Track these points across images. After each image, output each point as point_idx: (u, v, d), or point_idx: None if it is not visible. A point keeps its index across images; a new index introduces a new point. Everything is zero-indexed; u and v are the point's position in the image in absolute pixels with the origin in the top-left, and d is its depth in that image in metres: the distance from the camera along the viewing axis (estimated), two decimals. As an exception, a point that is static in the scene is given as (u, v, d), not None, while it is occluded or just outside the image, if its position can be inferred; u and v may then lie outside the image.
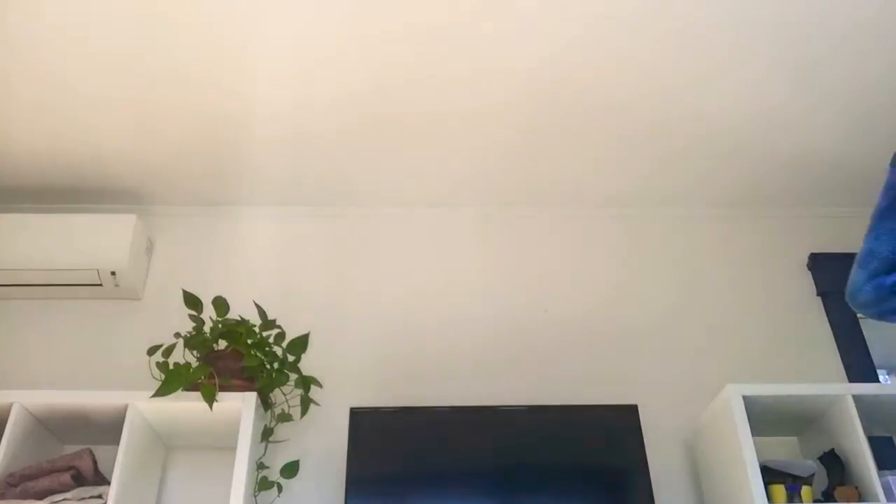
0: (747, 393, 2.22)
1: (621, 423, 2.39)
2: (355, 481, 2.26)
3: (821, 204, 3.04)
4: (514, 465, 2.34)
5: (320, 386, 2.44)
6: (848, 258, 2.82)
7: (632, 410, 2.39)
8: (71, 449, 2.34)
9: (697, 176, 2.90)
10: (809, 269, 2.90)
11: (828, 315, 2.79)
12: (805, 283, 2.87)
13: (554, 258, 2.91)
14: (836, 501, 2.13)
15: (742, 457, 2.12)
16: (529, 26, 2.28)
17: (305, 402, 2.39)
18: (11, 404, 2.18)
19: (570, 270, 2.89)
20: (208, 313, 2.42)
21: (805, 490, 2.15)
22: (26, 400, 2.21)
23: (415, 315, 2.76)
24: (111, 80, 2.45)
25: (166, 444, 2.45)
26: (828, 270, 2.86)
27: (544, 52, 2.36)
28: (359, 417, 2.36)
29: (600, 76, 2.46)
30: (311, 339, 2.49)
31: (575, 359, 2.67)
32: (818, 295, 2.85)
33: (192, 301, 2.39)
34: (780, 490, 2.13)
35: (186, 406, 2.23)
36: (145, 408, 2.23)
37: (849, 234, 2.95)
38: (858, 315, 2.79)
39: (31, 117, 2.58)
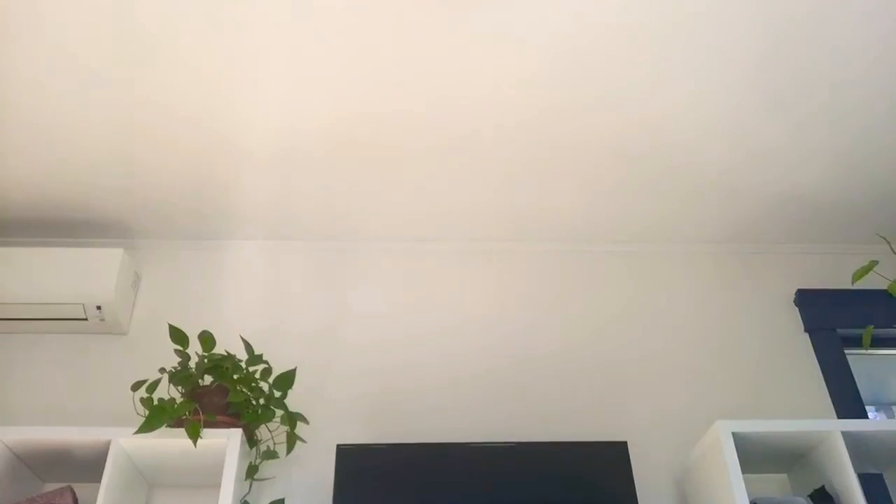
0: (737, 429, 2.21)
1: (611, 460, 2.36)
2: (342, 519, 2.22)
3: (808, 241, 3.07)
4: (502, 502, 2.31)
5: (307, 422, 2.41)
6: (834, 294, 2.89)
7: (621, 447, 2.37)
8: (51, 487, 2.29)
9: (686, 212, 2.93)
10: (797, 304, 2.91)
11: (815, 351, 2.80)
12: (792, 319, 2.88)
13: (542, 293, 2.91)
14: (827, 540, 2.11)
15: (732, 494, 2.10)
16: (521, 56, 2.31)
17: (292, 439, 2.35)
18: (-10, 441, 2.14)
19: (558, 305, 2.89)
20: (194, 348, 2.39)
21: (796, 528, 2.14)
22: (5, 436, 2.17)
23: (403, 351, 2.74)
24: (99, 115, 2.46)
25: (149, 482, 2.40)
26: (815, 306, 2.88)
27: (539, 81, 2.39)
28: (345, 454, 2.33)
29: (589, 110, 2.49)
30: (298, 375, 2.46)
31: (563, 395, 2.66)
32: (805, 331, 2.85)
33: (177, 336, 2.36)
34: (770, 528, 2.12)
35: (170, 442, 2.19)
36: (128, 444, 2.19)
37: (835, 270, 2.98)
38: (845, 350, 2.80)
39: (18, 152, 2.58)
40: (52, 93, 2.38)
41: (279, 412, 2.37)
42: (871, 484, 2.42)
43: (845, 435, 2.21)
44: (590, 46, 2.28)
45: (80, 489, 2.26)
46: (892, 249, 2.62)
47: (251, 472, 2.31)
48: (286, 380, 2.40)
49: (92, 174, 2.70)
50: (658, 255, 3.04)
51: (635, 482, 2.32)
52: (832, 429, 2.23)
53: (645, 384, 2.70)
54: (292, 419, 2.37)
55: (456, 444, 2.40)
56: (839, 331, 2.84)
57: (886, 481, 2.48)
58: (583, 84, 2.40)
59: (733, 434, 2.20)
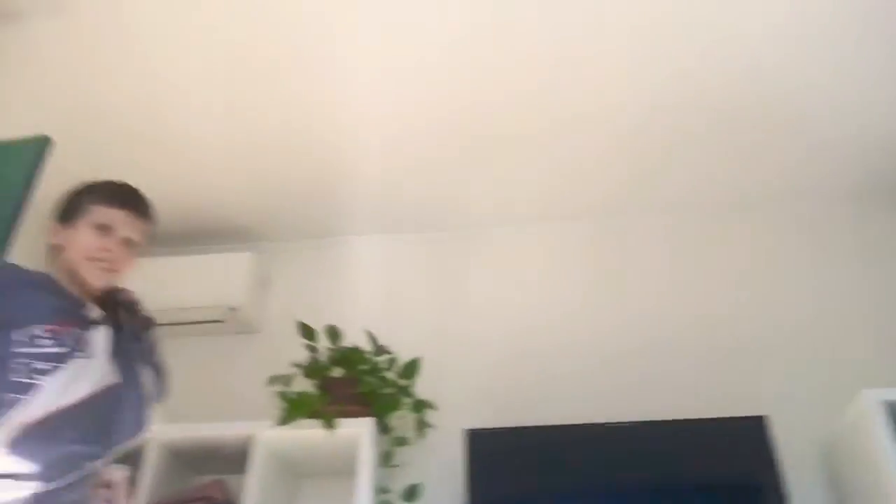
0: (888, 398, 2.07)
1: (750, 436, 2.27)
2: (476, 499, 2.25)
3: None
4: (636, 483, 2.27)
5: (434, 408, 2.45)
6: None
7: (760, 422, 2.27)
8: (204, 479, 2.44)
9: (829, 170, 2.74)
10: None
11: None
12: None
13: (667, 268, 2.83)
14: None
15: (885, 464, 1.97)
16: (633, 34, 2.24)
17: (421, 426, 2.41)
18: (148, 439, 2.31)
19: (684, 277, 2.79)
20: (322, 342, 2.49)
21: (962, 501, 1.97)
22: (162, 435, 2.34)
23: (524, 334, 2.73)
24: (225, 129, 2.60)
25: (292, 471, 2.52)
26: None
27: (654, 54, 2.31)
28: (474, 439, 2.36)
29: (706, 70, 2.37)
30: (422, 363, 2.51)
31: (696, 372, 2.56)
32: (959, 291, 2.62)
33: (306, 331, 2.46)
34: (932, 501, 1.97)
35: (308, 433, 2.30)
36: (269, 437, 2.31)
37: None
38: None
39: (154, 166, 2.76)
40: (185, 112, 2.53)
41: (407, 400, 2.43)
42: None
43: None
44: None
45: (231, 481, 2.39)
46: None
47: (386, 458, 2.38)
48: (411, 369, 2.46)
49: (221, 185, 2.86)
50: (796, 218, 2.87)
51: (778, 457, 2.21)
52: None
53: (784, 355, 2.56)
54: (420, 406, 2.42)
55: (586, 424, 2.37)
56: None
57: None
58: (718, 56, 2.30)
59: (884, 403, 2.06)
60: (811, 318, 2.63)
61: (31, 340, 1.34)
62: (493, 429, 2.39)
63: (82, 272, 1.48)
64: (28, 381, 1.31)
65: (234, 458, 2.37)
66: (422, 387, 2.51)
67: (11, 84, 2.40)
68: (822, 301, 2.67)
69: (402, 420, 2.46)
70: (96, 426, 1.41)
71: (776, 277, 2.75)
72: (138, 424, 1.51)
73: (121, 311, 1.55)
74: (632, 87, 2.42)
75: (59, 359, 1.36)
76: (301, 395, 2.29)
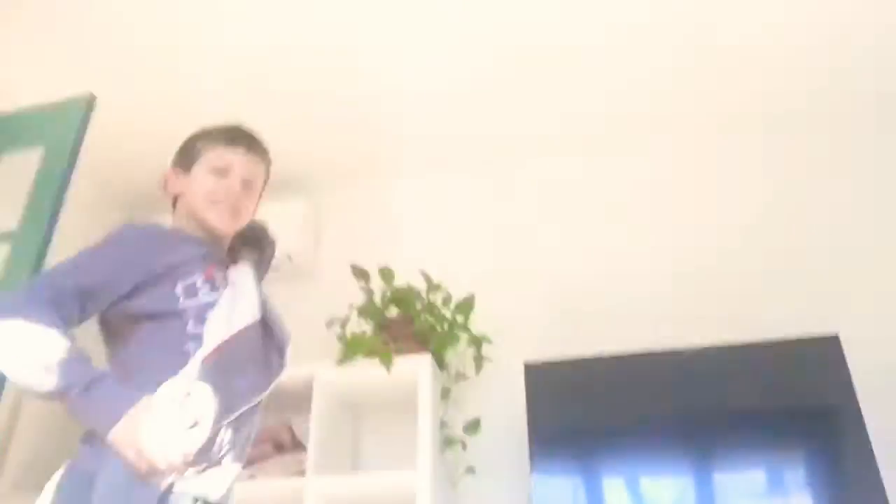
0: (970, 308, 1.95)
1: (822, 356, 2.18)
2: (538, 434, 2.24)
3: None
4: (703, 410, 2.22)
5: (490, 343, 2.44)
6: None
7: (833, 341, 2.17)
8: (270, 420, 2.50)
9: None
10: None
11: None
12: None
13: (724, 188, 2.71)
14: None
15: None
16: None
17: (478, 361, 2.41)
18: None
19: (746, 199, 2.67)
20: (377, 284, 2.49)
21: None
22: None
23: (581, 263, 2.68)
24: (270, 77, 2.57)
25: (353, 411, 2.56)
26: None
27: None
28: (533, 371, 2.34)
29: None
30: (478, 299, 2.49)
31: (762, 294, 2.46)
32: None
33: (359, 273, 2.47)
34: None
35: (367, 372, 2.32)
36: (330, 377, 2.34)
37: None
38: None
39: (194, 123, 2.77)
40: (241, 66, 2.52)
41: (464, 336, 2.42)
42: None
43: None
44: None
45: (295, 420, 2.44)
46: None
47: (445, 394, 2.39)
48: (467, 305, 2.44)
49: (271, 135, 2.84)
50: (854, 129, 2.69)
51: (853, 377, 2.12)
52: None
53: (854, 271, 2.43)
54: (477, 341, 2.41)
55: (649, 353, 2.30)
56: None
57: None
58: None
59: (967, 314, 1.94)
60: (883, 232, 2.49)
61: (194, 290, 1.35)
62: (553, 361, 2.36)
63: (205, 217, 1.46)
64: (199, 331, 1.32)
65: (297, 398, 2.42)
66: (478, 322, 2.50)
67: (55, 43, 2.43)
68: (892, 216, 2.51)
69: (459, 356, 2.46)
70: (254, 360, 1.41)
71: (844, 193, 2.60)
72: (281, 362, 1.50)
73: (251, 248, 1.56)
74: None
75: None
76: (358, 335, 2.31)
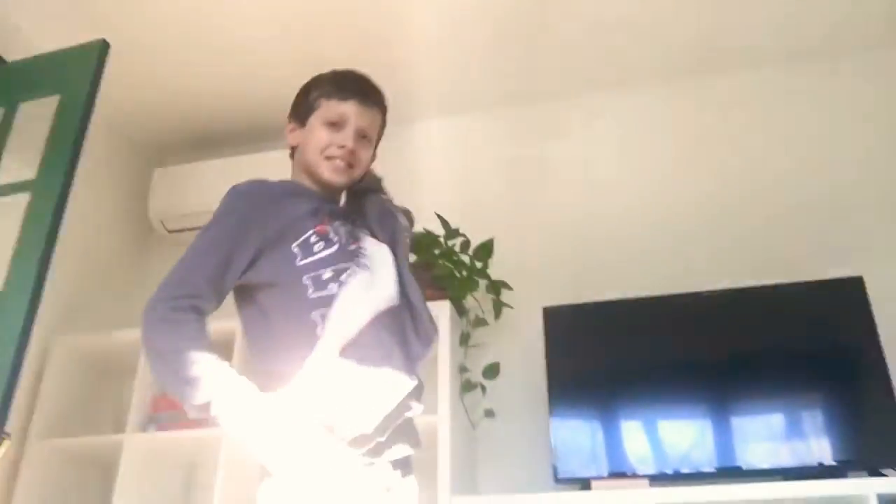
0: None
1: (845, 299, 2.16)
2: (557, 379, 2.26)
3: None
4: (724, 352, 2.21)
5: (510, 289, 2.44)
6: None
7: (856, 283, 2.15)
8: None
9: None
10: None
11: None
12: None
13: (746, 126, 2.65)
14: None
15: None
16: None
17: (498, 306, 2.41)
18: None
19: (766, 140, 2.61)
20: (395, 229, 2.48)
21: None
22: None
23: (599, 206, 2.65)
24: (281, 21, 2.52)
25: (375, 356, 2.58)
26: None
27: None
28: (552, 316, 2.34)
29: None
30: (498, 244, 2.47)
31: (782, 234, 2.43)
32: None
33: (377, 218, 2.45)
34: None
35: (387, 318, 2.32)
36: (349, 323, 2.35)
37: None
38: None
39: (211, 68, 2.74)
40: (242, 9, 2.47)
41: (483, 282, 2.42)
42: None
43: None
44: None
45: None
46: None
47: (464, 339, 2.40)
48: (485, 250, 2.43)
49: (282, 80, 2.80)
50: (876, 68, 2.60)
51: (875, 319, 2.10)
52: None
53: (879, 212, 2.39)
54: (496, 287, 2.41)
55: (670, 295, 2.29)
56: None
57: None
58: None
59: None
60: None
61: (308, 248, 1.32)
62: (572, 305, 2.35)
63: (319, 171, 1.44)
64: (326, 293, 1.28)
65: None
66: (497, 267, 2.49)
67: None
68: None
69: (478, 301, 2.46)
70: (397, 339, 1.34)
71: (865, 132, 2.54)
72: (423, 352, 1.41)
73: (368, 202, 1.52)
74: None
75: (337, 259, 1.32)
76: (375, 280, 2.31)
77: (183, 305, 1.23)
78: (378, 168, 3.02)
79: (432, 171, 2.91)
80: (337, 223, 1.39)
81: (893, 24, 2.53)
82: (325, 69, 2.77)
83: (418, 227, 2.47)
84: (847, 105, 2.59)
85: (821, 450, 2.04)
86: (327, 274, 1.30)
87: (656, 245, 2.52)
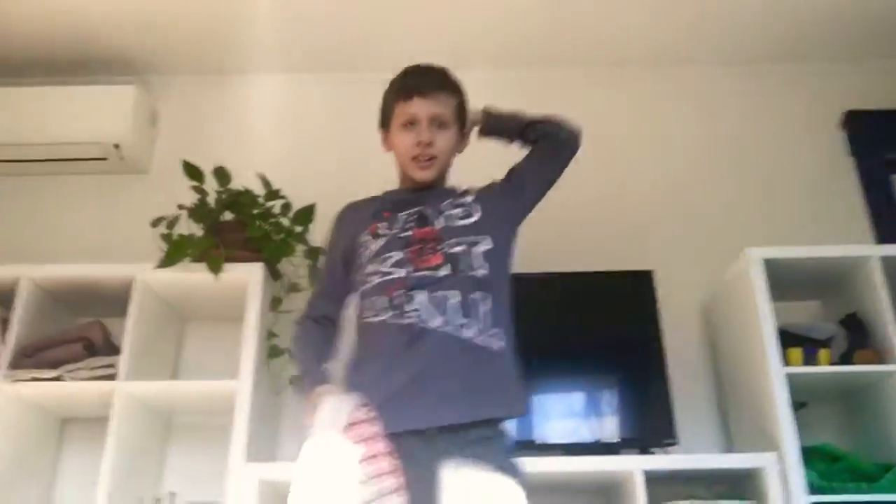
0: (768, 256, 2.14)
1: (636, 290, 2.32)
2: (366, 349, 2.25)
3: (858, 58, 2.81)
4: (526, 333, 2.30)
5: (328, 256, 2.40)
6: (883, 115, 2.68)
7: (646, 276, 2.33)
8: (84, 320, 2.35)
9: (722, 27, 2.68)
10: (843, 127, 2.72)
11: (859, 176, 2.65)
12: (836, 143, 2.71)
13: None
14: (853, 364, 2.09)
15: (759, 321, 2.06)
16: None
17: (313, 272, 2.36)
18: (18, 278, 2.19)
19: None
20: (212, 185, 2.36)
21: (823, 353, 2.10)
22: (34, 273, 2.22)
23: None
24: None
25: (180, 316, 2.46)
26: (861, 128, 2.69)
27: None
28: (368, 287, 2.33)
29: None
30: (321, 210, 2.42)
31: (584, 225, 2.57)
32: (850, 155, 2.68)
33: (192, 172, 2.33)
34: (796, 353, 2.09)
35: (194, 277, 2.22)
36: (153, 279, 2.22)
37: (887, 90, 2.75)
38: (892, 176, 2.65)
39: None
40: None
41: (301, 247, 2.36)
42: (906, 311, 2.34)
43: (883, 260, 2.12)
44: None
45: (112, 323, 2.31)
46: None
47: (275, 303, 2.34)
48: (306, 215, 2.38)
49: (103, 6, 2.57)
50: (692, 75, 2.84)
51: (662, 312, 2.28)
52: (870, 254, 2.15)
53: (676, 211, 2.61)
54: (314, 253, 2.36)
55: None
56: (888, 155, 2.67)
57: (922, 307, 2.42)
58: None
59: (765, 261, 2.13)
60: (706, 177, 2.67)
61: (366, 248, 1.55)
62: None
63: (411, 174, 1.62)
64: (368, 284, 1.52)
65: (115, 300, 2.28)
66: (318, 235, 2.43)
67: None
68: (711, 162, 2.70)
69: (295, 266, 2.41)
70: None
71: (665, 136, 2.75)
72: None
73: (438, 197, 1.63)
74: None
75: (387, 249, 1.52)
76: (183, 237, 2.19)
77: (306, 322, 1.64)
78: (204, 118, 2.88)
79: (260, 128, 2.80)
80: (401, 213, 1.57)
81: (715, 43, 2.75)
82: (159, 6, 2.58)
83: (238, 185, 2.39)
84: (650, 111, 2.79)
85: (602, 429, 2.19)
86: (373, 268, 1.51)
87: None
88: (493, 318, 1.47)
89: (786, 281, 2.21)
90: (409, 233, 1.53)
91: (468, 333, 1.43)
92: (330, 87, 2.87)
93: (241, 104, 2.86)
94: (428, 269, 1.47)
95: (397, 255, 1.50)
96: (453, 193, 1.64)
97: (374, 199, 1.69)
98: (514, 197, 1.66)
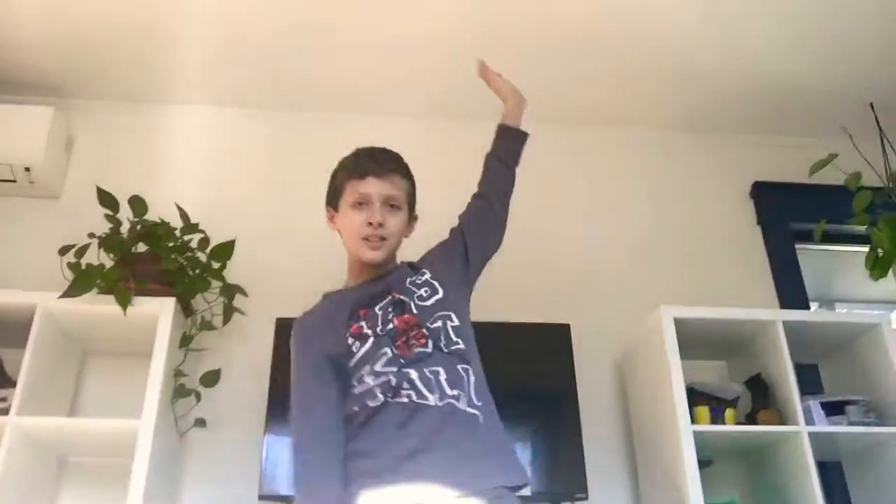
0: (679, 315, 2.21)
1: (553, 342, 2.35)
2: (280, 394, 2.19)
3: (769, 132, 2.99)
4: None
5: (245, 294, 2.35)
6: (790, 188, 2.84)
7: (564, 329, 2.36)
8: (-24, 351, 2.20)
9: (647, 99, 2.82)
10: (752, 197, 2.87)
11: (766, 244, 2.79)
12: (746, 211, 2.86)
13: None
14: (757, 423, 2.15)
15: (670, 378, 2.11)
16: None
17: (229, 311, 2.30)
18: None
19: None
20: (127, 214, 2.28)
21: (729, 412, 2.17)
22: (-77, 298, 2.08)
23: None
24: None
25: (83, 349, 2.34)
26: (769, 199, 2.85)
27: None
28: (285, 328, 2.23)
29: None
30: (240, 247, 2.37)
31: (503, 278, 2.55)
32: (758, 223, 2.83)
33: (106, 199, 2.25)
34: (704, 412, 2.14)
35: (102, 309, 2.12)
36: (56, 309, 2.12)
37: (795, 163, 2.92)
38: (797, 245, 2.79)
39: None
40: None
41: (216, 283, 2.30)
42: (806, 373, 2.46)
43: (786, 325, 2.22)
44: None
45: (9, 354, 2.18)
46: (854, 144, 2.57)
47: (185, 341, 2.25)
48: (224, 251, 2.32)
49: (19, 27, 2.48)
50: (608, 139, 2.94)
51: (577, 366, 2.32)
52: (774, 318, 2.24)
53: (591, 269, 2.67)
54: (230, 291, 2.30)
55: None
56: (792, 225, 2.82)
57: (821, 371, 2.53)
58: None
59: (675, 320, 2.19)
60: (621, 238, 2.76)
61: (352, 354, 1.45)
62: (306, 319, 2.31)
63: (361, 254, 1.57)
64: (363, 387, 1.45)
65: (15, 329, 2.15)
66: (235, 271, 2.39)
67: None
68: (630, 222, 2.80)
69: (209, 304, 2.34)
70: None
71: (585, 195, 2.84)
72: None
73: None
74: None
75: (377, 348, 1.45)
76: (92, 266, 2.10)
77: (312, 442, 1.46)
78: (123, 146, 2.79)
79: (183, 160, 2.74)
80: (376, 307, 1.51)
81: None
82: (81, 27, 2.52)
83: (153, 216, 2.32)
84: (580, 166, 2.88)
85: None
86: (366, 369, 1.45)
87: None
88: (477, 389, 1.48)
89: (695, 340, 2.29)
90: (391, 325, 1.49)
91: (461, 405, 1.42)
92: (255, 124, 2.84)
93: (162, 135, 2.80)
94: (418, 349, 1.46)
95: (388, 353, 1.46)
96: (409, 272, 1.62)
97: (329, 302, 1.63)
98: (462, 272, 1.69)
